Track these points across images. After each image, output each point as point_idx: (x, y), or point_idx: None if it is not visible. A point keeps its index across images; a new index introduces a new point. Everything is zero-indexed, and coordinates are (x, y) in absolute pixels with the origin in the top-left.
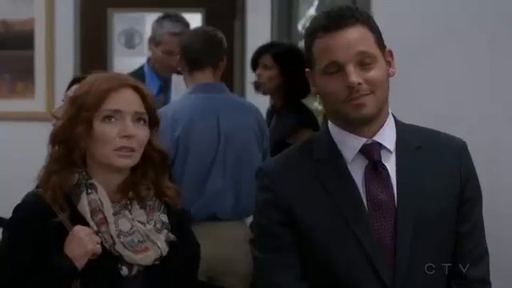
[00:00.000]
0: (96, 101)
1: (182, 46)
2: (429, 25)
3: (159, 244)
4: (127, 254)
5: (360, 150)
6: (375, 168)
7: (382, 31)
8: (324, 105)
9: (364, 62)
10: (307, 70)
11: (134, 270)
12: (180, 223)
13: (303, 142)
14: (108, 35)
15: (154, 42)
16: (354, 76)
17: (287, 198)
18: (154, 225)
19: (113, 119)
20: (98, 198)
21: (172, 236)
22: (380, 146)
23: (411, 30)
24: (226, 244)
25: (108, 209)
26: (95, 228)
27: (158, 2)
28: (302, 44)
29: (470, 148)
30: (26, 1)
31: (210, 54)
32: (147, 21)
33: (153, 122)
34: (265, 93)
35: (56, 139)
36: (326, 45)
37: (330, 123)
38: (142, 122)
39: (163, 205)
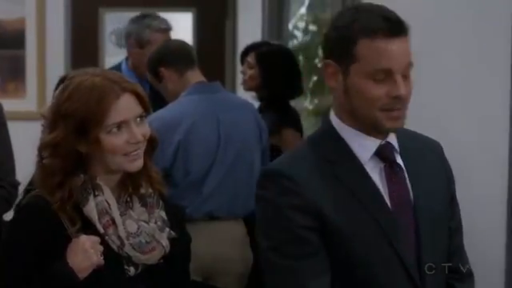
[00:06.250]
0: (99, 116)
1: (164, 56)
2: (416, 27)
3: (163, 243)
4: (135, 255)
5: (375, 152)
6: (392, 168)
7: None
8: (345, 103)
9: (406, 74)
10: (327, 61)
11: (139, 269)
12: (176, 218)
13: (308, 143)
14: (99, 34)
15: (139, 44)
16: (403, 88)
17: (316, 202)
18: (156, 222)
19: (119, 129)
20: (104, 199)
21: (173, 233)
22: (393, 147)
23: None
24: (222, 243)
25: (115, 210)
26: (102, 231)
27: (149, 1)
28: (293, 43)
29: (457, 149)
30: (16, 0)
31: (193, 52)
32: None
33: (147, 111)
34: (246, 89)
35: (55, 154)
36: (382, 49)
37: (336, 122)
38: (142, 120)
39: (161, 201)
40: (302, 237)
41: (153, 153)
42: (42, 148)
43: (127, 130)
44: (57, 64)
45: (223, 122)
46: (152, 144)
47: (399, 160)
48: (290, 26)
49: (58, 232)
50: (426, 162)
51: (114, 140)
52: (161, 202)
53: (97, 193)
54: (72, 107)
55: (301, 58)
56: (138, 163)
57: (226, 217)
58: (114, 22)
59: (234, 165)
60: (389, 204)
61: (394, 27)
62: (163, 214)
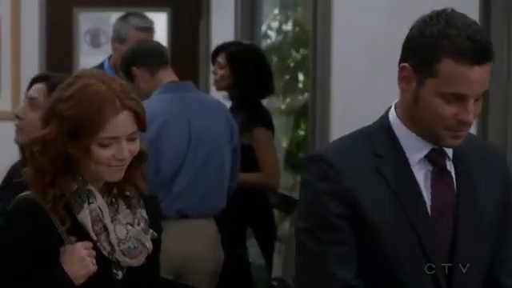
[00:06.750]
0: (95, 128)
1: (136, 55)
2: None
3: (148, 245)
4: (124, 260)
5: (425, 155)
6: (440, 174)
7: (343, 29)
8: (411, 109)
9: (478, 98)
10: (404, 64)
11: (124, 271)
12: (154, 214)
13: (360, 133)
14: (74, 34)
15: (118, 39)
16: (472, 115)
17: (352, 192)
18: (139, 224)
19: (109, 143)
20: (97, 206)
21: (155, 234)
22: (445, 153)
23: (370, 30)
24: (193, 242)
25: (107, 217)
26: (95, 238)
27: (124, 1)
28: (266, 43)
29: None
30: None
31: (166, 53)
32: (113, 20)
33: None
34: (218, 89)
35: (44, 152)
36: (464, 76)
37: (394, 119)
38: (134, 137)
39: (141, 199)
40: (335, 224)
41: (140, 165)
42: (32, 142)
43: (116, 146)
44: (31, 64)
45: (194, 123)
46: (141, 157)
47: (450, 166)
48: (264, 26)
49: (51, 232)
50: (482, 169)
51: (102, 152)
52: (142, 202)
53: (91, 200)
54: (70, 111)
55: (274, 57)
56: (118, 175)
57: (196, 215)
58: (89, 21)
59: (204, 166)
60: (428, 208)
61: (481, 54)
62: (144, 212)
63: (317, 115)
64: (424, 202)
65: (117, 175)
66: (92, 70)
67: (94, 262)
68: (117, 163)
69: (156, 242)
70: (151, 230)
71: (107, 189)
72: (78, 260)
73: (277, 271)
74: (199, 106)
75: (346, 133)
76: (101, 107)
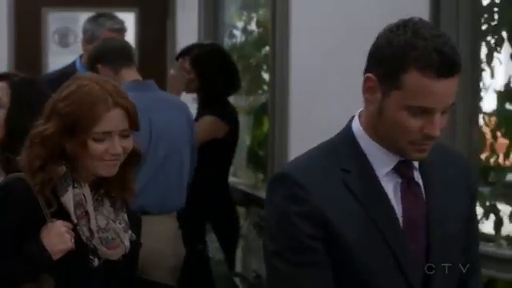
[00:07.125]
0: (89, 123)
1: (101, 53)
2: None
3: (126, 242)
4: (101, 249)
5: (393, 168)
6: (409, 186)
7: (302, 28)
8: (375, 121)
9: (445, 111)
10: (369, 75)
11: (101, 261)
12: (135, 225)
13: (324, 147)
14: (42, 34)
15: (89, 41)
16: (438, 129)
17: (323, 212)
18: (120, 223)
19: (103, 138)
20: (82, 192)
21: (134, 236)
22: (412, 164)
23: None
24: (155, 238)
25: (90, 204)
26: (75, 221)
27: (93, 1)
28: (231, 42)
29: None
30: None
31: (131, 52)
32: (81, 20)
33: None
34: (187, 92)
35: (43, 144)
36: (430, 89)
37: (357, 131)
38: (127, 134)
39: (124, 205)
40: (307, 245)
41: (134, 165)
42: (32, 135)
43: (109, 141)
44: (0, 63)
45: (155, 122)
46: (135, 157)
47: (417, 176)
48: (229, 27)
49: (36, 213)
50: (448, 176)
51: (96, 146)
52: (124, 208)
53: (76, 185)
54: (67, 108)
55: (236, 57)
56: (112, 170)
57: (158, 212)
58: (57, 21)
59: (164, 164)
60: (400, 220)
61: (447, 67)
62: (126, 217)
63: (276, 113)
64: (395, 215)
65: (111, 170)
66: (90, 73)
67: (73, 240)
68: (110, 157)
69: (134, 245)
70: (130, 232)
71: (95, 186)
72: (57, 235)
73: (240, 267)
74: (161, 106)
75: (305, 131)
76: (94, 104)
